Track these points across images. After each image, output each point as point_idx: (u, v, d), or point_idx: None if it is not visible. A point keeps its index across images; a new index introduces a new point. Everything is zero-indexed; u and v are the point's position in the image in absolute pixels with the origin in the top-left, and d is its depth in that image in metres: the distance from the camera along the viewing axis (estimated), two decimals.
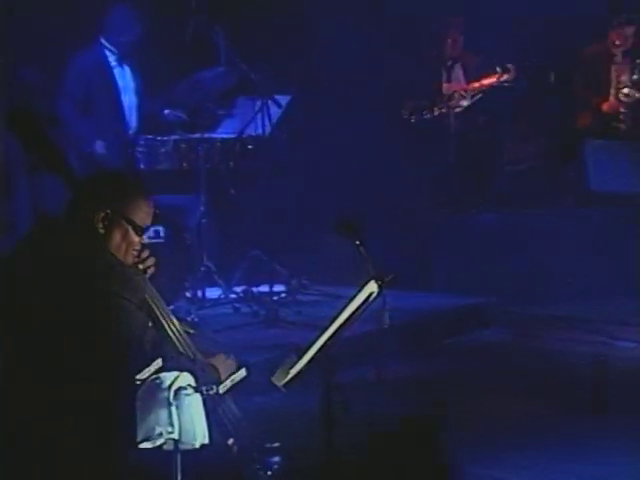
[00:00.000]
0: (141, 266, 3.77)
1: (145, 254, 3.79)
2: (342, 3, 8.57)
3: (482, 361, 7.11)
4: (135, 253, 3.74)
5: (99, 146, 7.44)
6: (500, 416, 5.97)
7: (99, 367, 3.46)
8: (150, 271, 3.80)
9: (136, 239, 3.71)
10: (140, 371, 3.37)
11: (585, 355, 6.86)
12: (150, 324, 3.69)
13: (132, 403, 3.36)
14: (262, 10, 8.15)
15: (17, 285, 3.60)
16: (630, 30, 9.07)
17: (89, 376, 3.46)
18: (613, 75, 9.17)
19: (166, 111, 7.58)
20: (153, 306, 3.72)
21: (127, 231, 3.69)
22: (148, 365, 3.40)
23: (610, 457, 5.25)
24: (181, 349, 3.71)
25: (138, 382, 3.37)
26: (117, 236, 3.68)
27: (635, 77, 9.05)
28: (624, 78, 9.10)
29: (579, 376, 6.48)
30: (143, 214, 3.73)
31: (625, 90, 9.00)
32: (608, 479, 5.04)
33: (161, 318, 3.73)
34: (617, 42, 9.11)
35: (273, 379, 3.57)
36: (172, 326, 3.75)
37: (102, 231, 3.65)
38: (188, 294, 7.28)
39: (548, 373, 6.75)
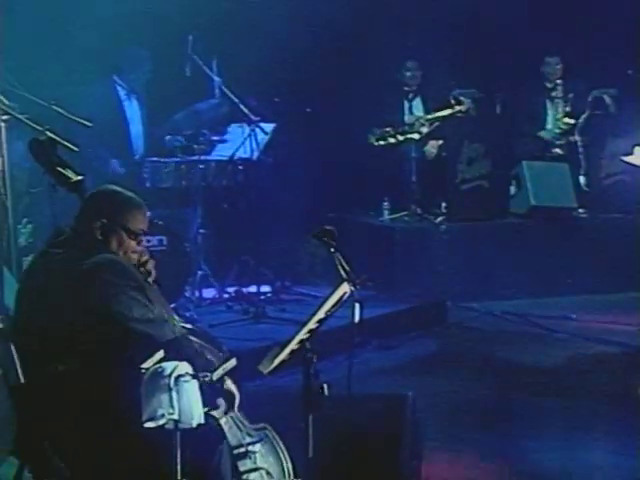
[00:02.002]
0: (142, 269, 3.73)
1: (145, 257, 3.75)
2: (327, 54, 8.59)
3: (438, 351, 7.13)
4: (135, 256, 3.69)
5: (114, 165, 7.36)
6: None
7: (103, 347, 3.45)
8: (152, 276, 3.75)
9: (132, 243, 3.68)
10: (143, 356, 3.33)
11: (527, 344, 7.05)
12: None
13: (137, 388, 3.33)
14: (250, 49, 8.10)
15: (28, 284, 3.62)
16: (558, 65, 9.07)
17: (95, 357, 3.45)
18: (549, 106, 9.17)
19: (167, 137, 7.55)
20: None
21: (122, 236, 3.65)
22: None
23: None
24: None
25: (143, 371, 3.34)
26: (114, 241, 3.65)
27: (568, 109, 9.06)
28: (559, 109, 9.10)
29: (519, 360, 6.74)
30: (136, 220, 3.70)
31: (565, 119, 9.00)
32: None
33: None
34: (548, 76, 9.11)
35: (260, 367, 3.53)
36: (173, 321, 3.70)
37: (100, 237, 3.63)
38: (187, 294, 7.24)
39: (495, 358, 6.85)
